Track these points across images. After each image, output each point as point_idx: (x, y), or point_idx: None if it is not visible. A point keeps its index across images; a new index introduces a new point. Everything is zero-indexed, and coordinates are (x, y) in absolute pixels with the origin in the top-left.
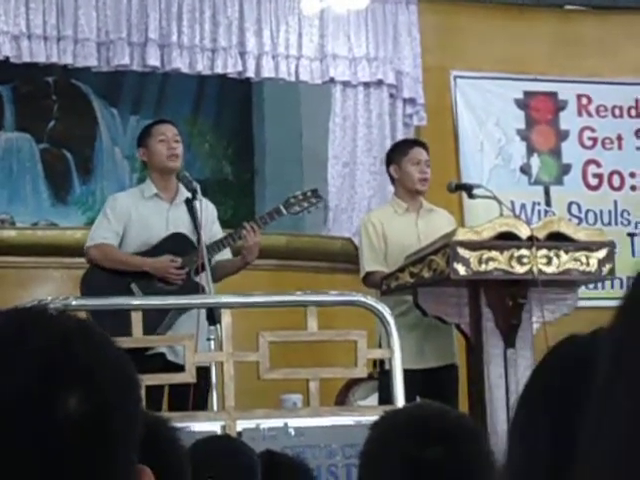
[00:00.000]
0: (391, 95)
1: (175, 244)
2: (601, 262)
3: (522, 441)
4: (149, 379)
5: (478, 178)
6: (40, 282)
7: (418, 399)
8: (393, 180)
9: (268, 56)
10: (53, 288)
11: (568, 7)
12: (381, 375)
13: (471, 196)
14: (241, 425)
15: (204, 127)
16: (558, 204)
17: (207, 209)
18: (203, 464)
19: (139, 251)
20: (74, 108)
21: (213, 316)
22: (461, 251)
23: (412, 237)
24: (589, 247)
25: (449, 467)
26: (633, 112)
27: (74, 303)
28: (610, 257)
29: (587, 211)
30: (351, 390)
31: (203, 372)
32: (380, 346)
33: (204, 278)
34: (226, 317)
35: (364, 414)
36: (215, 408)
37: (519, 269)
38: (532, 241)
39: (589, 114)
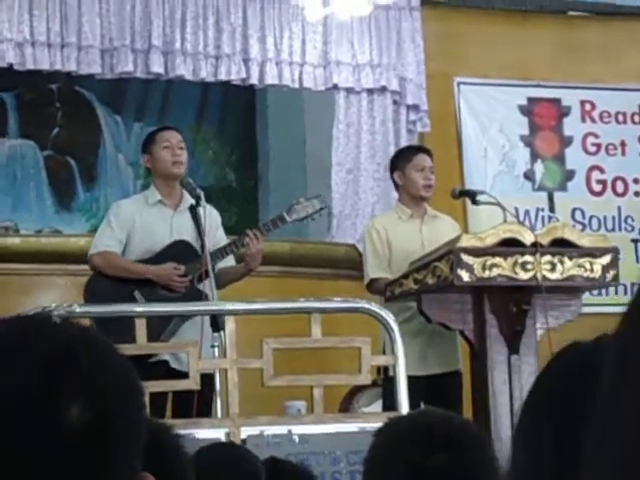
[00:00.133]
0: (395, 102)
1: (178, 251)
2: (605, 268)
3: (526, 447)
4: (153, 386)
5: (482, 184)
6: (44, 289)
7: (422, 406)
8: (397, 186)
9: (272, 63)
10: (57, 295)
11: (571, 13)
12: (385, 382)
13: (475, 202)
14: (245, 432)
15: (208, 134)
16: (562, 210)
17: (211, 215)
18: (207, 471)
19: (142, 258)
20: (78, 115)
21: (217, 323)
22: (465, 257)
23: (416, 243)
24: (593, 253)
25: (453, 474)
26: (637, 118)
27: (78, 310)
28: (614, 263)
29: (591, 217)
30: (355, 397)
31: (207, 379)
32: (384, 353)
33: (207, 285)
34: (230, 324)
35: (368, 421)
36: (219, 415)
37: (523, 275)
38: (536, 247)
39: (593, 120)
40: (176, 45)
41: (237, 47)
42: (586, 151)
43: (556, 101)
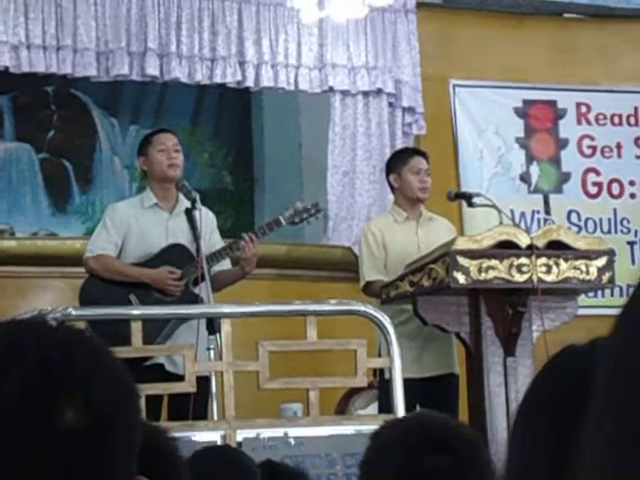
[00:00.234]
0: (390, 104)
1: (174, 255)
2: (601, 270)
3: (522, 450)
4: (149, 388)
5: (478, 187)
6: (40, 292)
7: (418, 408)
8: (393, 189)
9: (267, 65)
10: (53, 298)
11: (567, 15)
12: (381, 384)
13: (471, 205)
14: (241, 435)
15: (203, 136)
16: (558, 212)
17: (207, 218)
18: (203, 474)
19: (138, 261)
20: (73, 118)
21: (213, 326)
22: (461, 260)
23: (412, 246)
24: (589, 255)
25: (449, 476)
26: (632, 120)
27: (74, 313)
28: (610, 265)
29: (587, 219)
30: (351, 399)
31: (203, 382)
32: (380, 355)
33: (203, 289)
34: (226, 326)
35: (364, 423)
36: (215, 418)
37: (519, 278)
38: (532, 250)
39: (588, 122)
40: (172, 48)
41: (233, 49)
42: (582, 153)
43: (552, 103)
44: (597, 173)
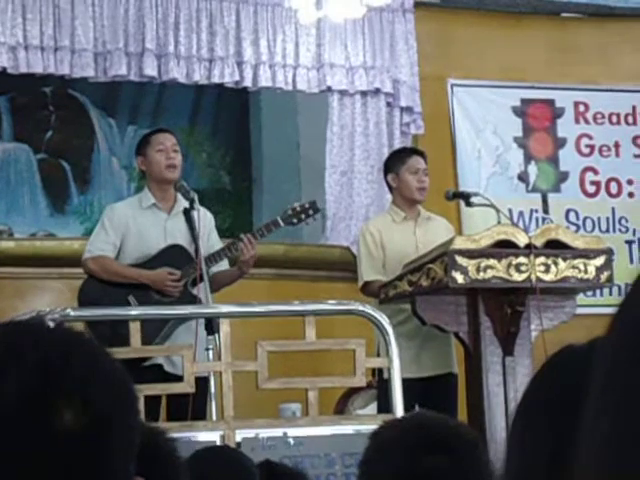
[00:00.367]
0: (388, 104)
1: (172, 256)
2: (599, 269)
3: (520, 450)
4: (148, 389)
5: (476, 186)
6: (38, 293)
7: (417, 408)
8: (391, 189)
9: (265, 65)
10: (51, 299)
11: (565, 15)
12: (380, 384)
13: (469, 204)
14: (240, 435)
15: (201, 137)
16: (556, 211)
17: (205, 218)
18: (202, 475)
19: (137, 262)
20: (71, 118)
21: (211, 326)
22: (459, 259)
23: (410, 245)
24: (587, 254)
25: (447, 476)
26: (630, 119)
27: (72, 314)
28: (608, 264)
29: (585, 218)
30: (350, 399)
31: (202, 382)
32: (379, 355)
33: (202, 289)
34: (224, 327)
35: (363, 423)
36: (214, 418)
37: (517, 277)
38: (530, 249)
39: (586, 121)
40: (169, 48)
41: (230, 50)
42: (580, 152)
43: (550, 102)
44: (595, 172)
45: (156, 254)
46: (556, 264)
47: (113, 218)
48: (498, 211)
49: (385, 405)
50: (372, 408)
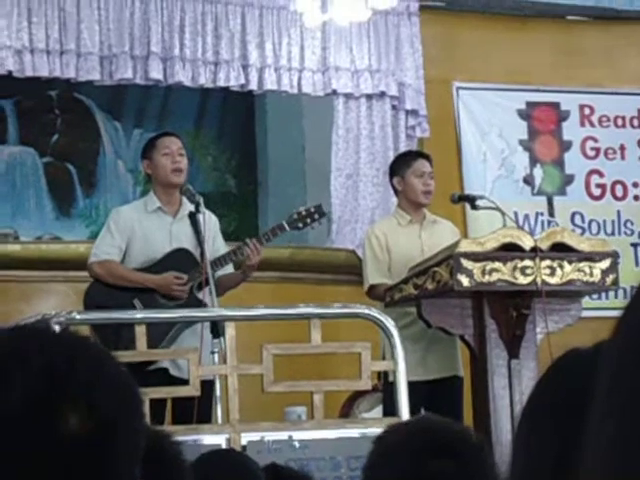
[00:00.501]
0: (394, 107)
1: (178, 259)
2: (604, 272)
3: (526, 454)
4: (153, 392)
5: (481, 189)
6: (44, 296)
7: (423, 411)
8: (396, 192)
9: (270, 69)
10: (57, 302)
11: (570, 17)
12: (385, 387)
13: (474, 207)
14: (246, 438)
15: (207, 140)
16: (561, 214)
17: (210, 221)
18: (207, 478)
19: (142, 266)
20: (77, 122)
21: (217, 329)
22: (465, 262)
23: (416, 249)
24: (592, 257)
25: None
26: (635, 122)
27: (78, 317)
28: (613, 267)
29: (590, 221)
30: (355, 402)
31: (207, 385)
32: (384, 358)
33: (207, 293)
34: (230, 330)
35: (369, 426)
36: (219, 421)
37: (523, 280)
38: (535, 252)
39: (592, 124)
40: (175, 51)
41: (236, 53)
42: (585, 155)
43: (555, 105)
44: (601, 175)
45: (162, 258)
46: (561, 267)
47: (119, 221)
48: (503, 214)
49: (391, 408)
50: (378, 411)
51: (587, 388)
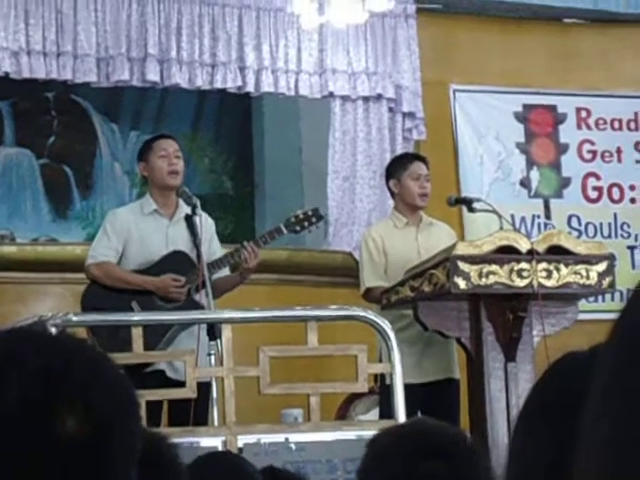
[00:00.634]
0: (390, 109)
1: (175, 262)
2: (601, 275)
3: (521, 457)
4: (150, 394)
5: (478, 192)
6: (40, 298)
7: (419, 414)
8: (393, 194)
9: (267, 71)
10: (53, 304)
11: (566, 20)
12: (382, 390)
13: (471, 210)
14: (242, 440)
15: (204, 142)
16: (558, 217)
17: (206, 223)
18: None
19: (139, 268)
20: (74, 124)
21: (213, 331)
22: (461, 265)
23: (412, 251)
24: (589, 260)
25: None
26: (632, 125)
27: (74, 319)
28: (610, 270)
29: (587, 224)
30: (352, 405)
31: (204, 387)
32: (381, 361)
33: (204, 295)
34: (226, 332)
35: (365, 429)
36: (216, 423)
37: (519, 283)
38: (532, 255)
39: (588, 127)
40: (172, 53)
41: (233, 55)
42: (582, 158)
43: (552, 108)
44: (597, 178)
45: (159, 260)
46: (558, 270)
47: (115, 223)
48: (500, 217)
49: (387, 411)
50: (374, 414)
51: (584, 391)
